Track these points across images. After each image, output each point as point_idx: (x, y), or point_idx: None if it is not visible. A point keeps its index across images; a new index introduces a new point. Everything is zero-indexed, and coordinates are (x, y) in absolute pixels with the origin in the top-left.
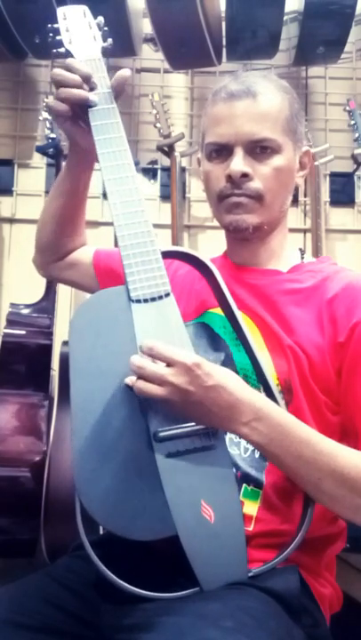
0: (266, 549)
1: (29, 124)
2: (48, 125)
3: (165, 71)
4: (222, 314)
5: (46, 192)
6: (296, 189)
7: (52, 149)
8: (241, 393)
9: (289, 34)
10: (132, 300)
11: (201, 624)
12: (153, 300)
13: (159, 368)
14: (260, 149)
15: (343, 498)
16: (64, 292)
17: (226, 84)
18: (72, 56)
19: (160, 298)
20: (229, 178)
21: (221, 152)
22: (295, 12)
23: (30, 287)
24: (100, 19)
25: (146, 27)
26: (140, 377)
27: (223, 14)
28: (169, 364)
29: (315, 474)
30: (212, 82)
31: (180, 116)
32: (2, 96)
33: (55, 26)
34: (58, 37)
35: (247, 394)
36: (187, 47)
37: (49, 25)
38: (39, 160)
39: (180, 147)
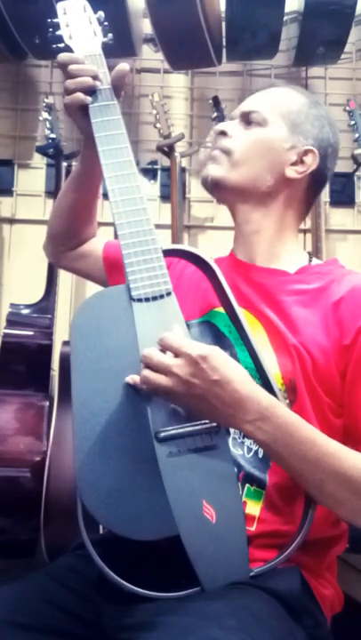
0: (268, 549)
1: (29, 124)
2: (48, 125)
3: (165, 71)
4: None
5: (46, 192)
6: (300, 188)
7: (52, 149)
8: (247, 390)
9: (289, 34)
10: (134, 299)
11: (204, 623)
12: (154, 299)
13: (165, 358)
14: (249, 121)
15: (346, 500)
16: (64, 292)
17: None
18: (72, 52)
19: (161, 297)
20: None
21: None
22: (295, 13)
23: (30, 287)
24: (101, 13)
25: (146, 27)
26: (147, 366)
27: (223, 14)
28: (177, 355)
29: (318, 475)
30: (213, 82)
31: (180, 117)
32: (2, 96)
33: (55, 21)
34: (58, 32)
35: (254, 391)
36: (187, 47)
37: (49, 20)
38: (39, 160)
39: (180, 147)
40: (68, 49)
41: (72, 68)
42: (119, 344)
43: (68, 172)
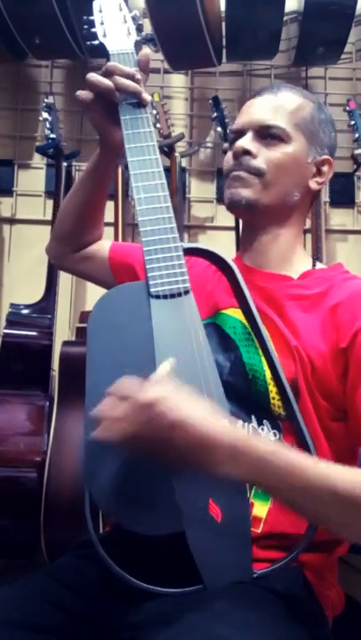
0: (273, 550)
1: (29, 124)
2: (48, 125)
3: (165, 71)
4: (234, 315)
5: (46, 192)
6: (313, 196)
7: (52, 149)
8: (208, 428)
9: (289, 34)
10: (152, 296)
11: (210, 620)
12: (172, 296)
13: (113, 411)
14: (269, 137)
15: (347, 523)
16: (64, 293)
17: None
18: (105, 49)
19: (179, 295)
20: (235, 155)
21: (238, 138)
22: (295, 13)
23: (30, 287)
24: (136, 12)
25: (146, 27)
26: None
27: (223, 14)
28: (131, 405)
29: (312, 500)
30: (213, 82)
31: (179, 117)
32: (2, 96)
33: (90, 18)
34: (92, 30)
35: (216, 429)
36: (187, 47)
37: (84, 17)
38: (39, 160)
39: (179, 147)
40: (101, 46)
41: (117, 80)
42: (135, 339)
43: (68, 171)
